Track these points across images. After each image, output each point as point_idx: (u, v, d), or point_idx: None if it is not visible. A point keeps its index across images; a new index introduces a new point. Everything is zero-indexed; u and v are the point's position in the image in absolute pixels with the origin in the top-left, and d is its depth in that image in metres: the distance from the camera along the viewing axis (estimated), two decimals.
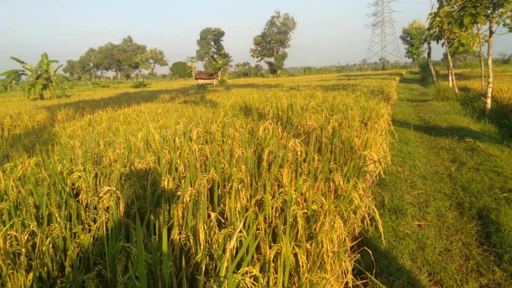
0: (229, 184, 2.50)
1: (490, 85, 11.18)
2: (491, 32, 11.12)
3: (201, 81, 55.95)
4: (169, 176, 2.64)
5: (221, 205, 2.40)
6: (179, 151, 3.23)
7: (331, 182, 2.83)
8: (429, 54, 25.06)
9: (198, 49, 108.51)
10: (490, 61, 11.39)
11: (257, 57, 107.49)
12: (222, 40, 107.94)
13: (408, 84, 30.76)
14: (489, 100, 11.15)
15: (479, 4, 11.57)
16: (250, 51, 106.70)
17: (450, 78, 19.47)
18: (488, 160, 6.13)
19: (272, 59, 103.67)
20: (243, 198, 2.35)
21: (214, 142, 3.70)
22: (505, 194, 4.56)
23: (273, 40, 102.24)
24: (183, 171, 2.90)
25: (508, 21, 10.97)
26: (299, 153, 3.24)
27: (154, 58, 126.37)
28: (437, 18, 12.16)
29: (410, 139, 8.29)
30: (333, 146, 3.73)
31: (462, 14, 11.66)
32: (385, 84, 17.66)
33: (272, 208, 2.35)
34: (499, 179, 5.17)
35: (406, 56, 65.77)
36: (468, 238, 3.61)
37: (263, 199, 2.50)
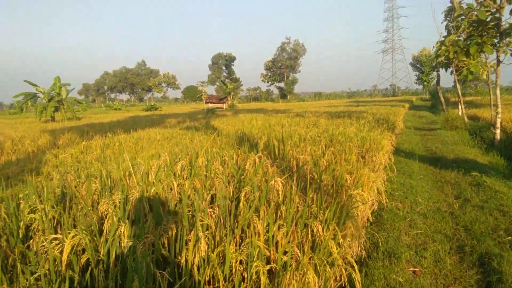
0: (191, 233, 2.29)
1: (499, 115, 10.89)
2: (498, 62, 10.92)
3: (211, 105, 56.56)
4: (127, 221, 2.44)
5: (179, 257, 2.19)
6: (154, 188, 3.05)
7: (309, 228, 2.61)
8: (438, 81, 24.84)
9: (210, 74, 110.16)
10: (498, 91, 11.13)
11: (267, 82, 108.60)
12: (233, 65, 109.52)
13: (417, 111, 30.45)
14: (498, 131, 10.83)
15: (485, 33, 11.41)
16: (261, 76, 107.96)
17: (459, 107, 19.16)
18: (494, 197, 5.81)
19: (282, 84, 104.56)
20: (201, 250, 2.14)
21: (195, 178, 3.51)
22: (509, 238, 4.25)
23: (283, 66, 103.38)
24: (148, 213, 2.71)
25: None
26: (280, 193, 3.03)
27: (167, 81, 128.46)
28: (443, 47, 12.01)
29: (414, 171, 7.99)
30: (321, 184, 3.51)
31: (468, 43, 11.50)
32: (392, 112, 17.44)
33: (236, 261, 2.13)
34: (505, 220, 4.85)
35: (416, 83, 65.73)
36: None
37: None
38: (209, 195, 2.87)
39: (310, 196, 2.97)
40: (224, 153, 5.00)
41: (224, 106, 57.02)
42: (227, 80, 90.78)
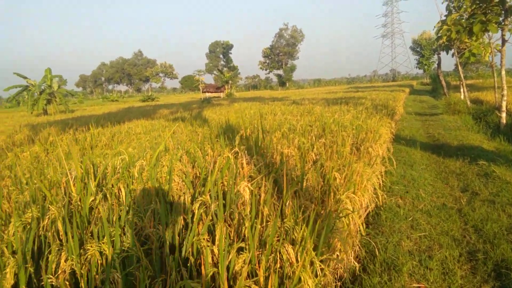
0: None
1: (505, 98, 10.22)
2: (503, 41, 10.20)
3: (208, 94, 55.70)
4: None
5: None
6: (93, 198, 2.43)
7: (277, 254, 2.00)
8: (439, 65, 24.08)
9: (207, 62, 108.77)
10: (503, 72, 10.46)
11: (266, 70, 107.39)
12: (231, 53, 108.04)
13: (418, 96, 29.68)
14: (504, 115, 10.17)
15: (489, 11, 10.66)
16: (259, 63, 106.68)
17: (461, 90, 18.47)
18: (505, 189, 5.19)
19: (281, 72, 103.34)
20: None
21: (149, 182, 2.89)
22: None
23: (281, 53, 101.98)
24: (62, 234, 2.09)
25: None
26: (247, 201, 2.41)
27: (164, 71, 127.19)
28: (444, 26, 11.26)
29: (416, 161, 7.37)
30: (304, 185, 2.89)
31: (471, 21, 10.74)
32: (392, 97, 16.76)
33: None
34: None
35: (416, 67, 64.79)
36: None
37: None
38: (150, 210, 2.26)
39: (287, 203, 2.36)
40: (200, 147, 4.39)
41: (222, 95, 56.17)
42: (224, 68, 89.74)
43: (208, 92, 57.08)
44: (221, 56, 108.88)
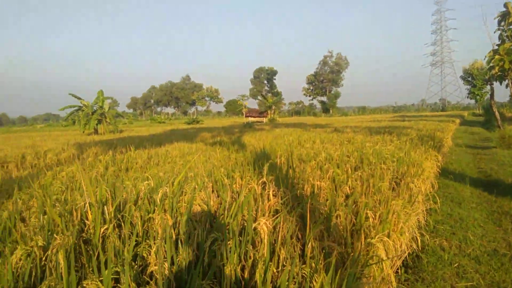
0: None
1: None
2: None
3: (251, 119, 56.43)
4: None
5: None
6: (107, 227, 2.35)
7: None
8: (492, 95, 22.77)
9: (251, 88, 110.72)
10: None
11: (309, 96, 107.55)
12: (275, 79, 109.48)
13: (469, 127, 28.13)
14: None
15: None
16: (303, 90, 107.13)
17: None
18: None
19: (324, 98, 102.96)
20: None
21: (166, 213, 2.78)
22: None
23: (325, 80, 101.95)
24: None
25: None
26: (265, 240, 2.20)
27: (210, 95, 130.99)
28: (497, 56, 10.64)
29: (465, 199, 6.79)
30: (331, 224, 2.65)
31: None
32: (441, 128, 15.96)
33: None
34: None
35: (468, 97, 61.96)
36: None
37: None
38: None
39: (309, 245, 2.14)
40: (229, 175, 4.27)
41: (264, 120, 56.63)
42: (268, 94, 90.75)
43: (251, 116, 57.82)
44: (265, 81, 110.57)
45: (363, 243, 2.50)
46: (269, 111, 60.72)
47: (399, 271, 3.76)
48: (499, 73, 14.31)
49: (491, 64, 11.18)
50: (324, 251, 2.28)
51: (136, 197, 3.15)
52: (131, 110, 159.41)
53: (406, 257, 4.07)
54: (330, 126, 22.79)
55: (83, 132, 32.02)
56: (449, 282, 3.61)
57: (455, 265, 3.99)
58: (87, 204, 2.62)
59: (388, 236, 2.78)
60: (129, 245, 2.16)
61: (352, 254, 2.35)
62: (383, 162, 5.51)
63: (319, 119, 65.85)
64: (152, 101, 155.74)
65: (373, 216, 2.95)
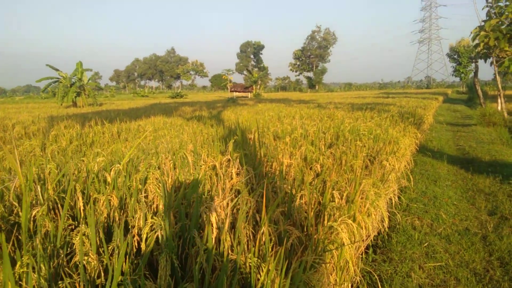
0: None
1: None
2: None
3: (236, 94, 55.70)
4: None
5: None
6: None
7: None
8: (475, 73, 22.80)
9: (238, 62, 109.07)
10: None
11: (296, 72, 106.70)
12: (261, 54, 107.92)
13: (452, 104, 28.33)
14: None
15: None
16: (289, 65, 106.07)
17: (499, 101, 17.33)
18: None
19: (311, 74, 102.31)
20: None
21: (113, 193, 2.56)
22: None
23: (313, 55, 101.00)
24: None
25: None
26: (214, 226, 2.01)
27: (195, 69, 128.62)
28: (482, 32, 10.43)
29: (441, 176, 6.75)
30: (292, 205, 2.47)
31: None
32: (423, 105, 15.93)
33: None
34: None
35: (453, 75, 62.30)
36: None
37: None
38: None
39: (262, 230, 1.96)
40: (195, 151, 4.05)
41: (249, 95, 55.98)
42: (254, 69, 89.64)
43: (236, 91, 57.06)
44: (251, 56, 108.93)
45: (326, 226, 2.34)
46: (254, 86, 59.99)
47: (368, 250, 3.66)
48: (484, 50, 14.19)
49: (476, 41, 10.97)
50: (281, 236, 2.12)
51: (87, 175, 2.91)
52: (113, 83, 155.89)
53: (376, 236, 3.97)
54: (314, 102, 22.59)
55: (61, 105, 31.02)
56: (417, 262, 3.53)
57: (425, 244, 3.92)
58: (15, 184, 2.38)
59: (354, 218, 2.63)
60: (55, 229, 1.94)
61: (314, 239, 2.19)
62: (359, 139, 5.36)
63: (304, 94, 65.50)
64: (135, 74, 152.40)
65: (339, 196, 2.79)
